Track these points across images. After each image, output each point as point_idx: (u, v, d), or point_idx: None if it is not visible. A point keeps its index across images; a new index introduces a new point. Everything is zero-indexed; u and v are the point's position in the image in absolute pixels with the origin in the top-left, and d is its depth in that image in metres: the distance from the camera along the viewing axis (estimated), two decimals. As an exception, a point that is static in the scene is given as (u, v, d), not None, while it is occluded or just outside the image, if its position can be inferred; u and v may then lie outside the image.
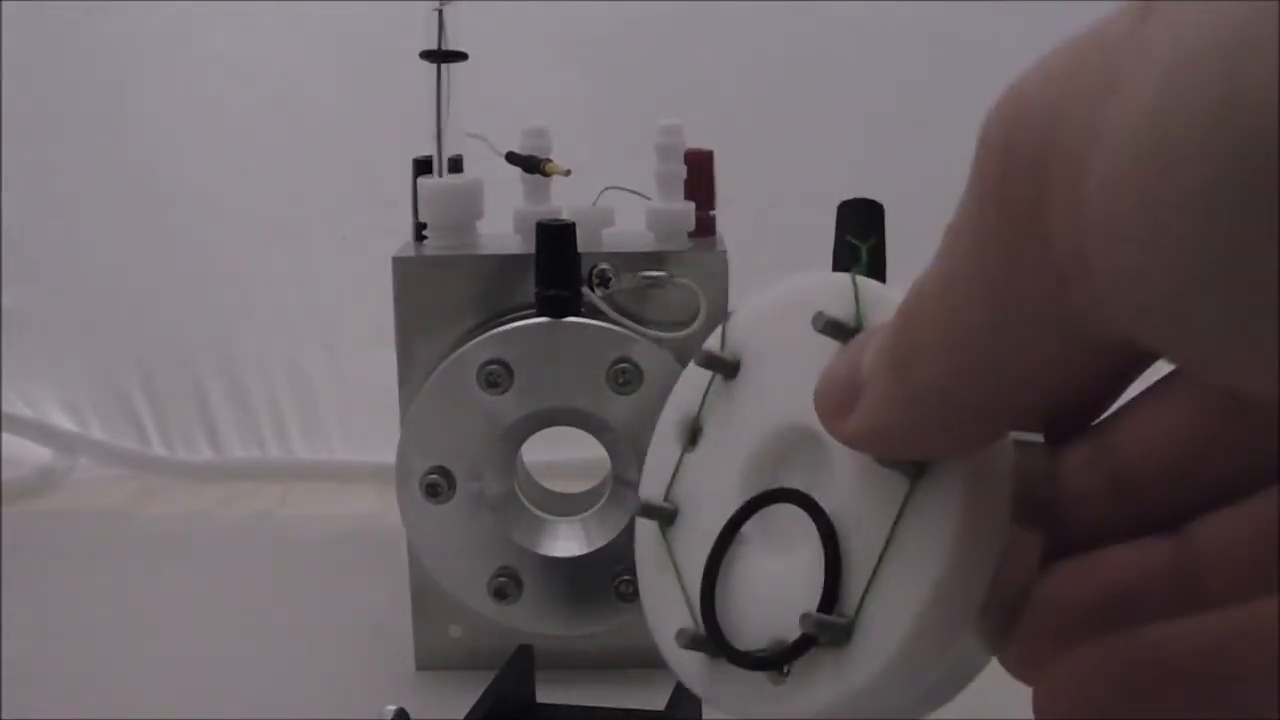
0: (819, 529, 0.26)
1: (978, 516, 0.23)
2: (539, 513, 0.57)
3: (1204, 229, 0.16)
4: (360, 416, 0.86)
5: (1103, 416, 0.24)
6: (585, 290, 0.53)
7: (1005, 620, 0.24)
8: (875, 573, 0.24)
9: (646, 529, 0.30)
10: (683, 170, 0.56)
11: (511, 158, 0.57)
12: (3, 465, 0.84)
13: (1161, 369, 0.22)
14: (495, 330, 0.53)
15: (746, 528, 0.28)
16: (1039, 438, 0.24)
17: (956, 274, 0.21)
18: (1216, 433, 0.22)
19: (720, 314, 0.54)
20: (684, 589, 0.29)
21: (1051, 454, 0.24)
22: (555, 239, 0.53)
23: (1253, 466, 0.22)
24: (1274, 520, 0.21)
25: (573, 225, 0.53)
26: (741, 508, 0.28)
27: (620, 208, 0.57)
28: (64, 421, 0.89)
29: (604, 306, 0.53)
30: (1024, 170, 0.19)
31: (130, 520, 0.80)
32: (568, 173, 0.56)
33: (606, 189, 0.57)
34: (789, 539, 0.27)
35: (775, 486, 0.28)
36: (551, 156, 0.56)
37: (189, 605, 0.66)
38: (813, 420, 0.25)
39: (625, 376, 0.53)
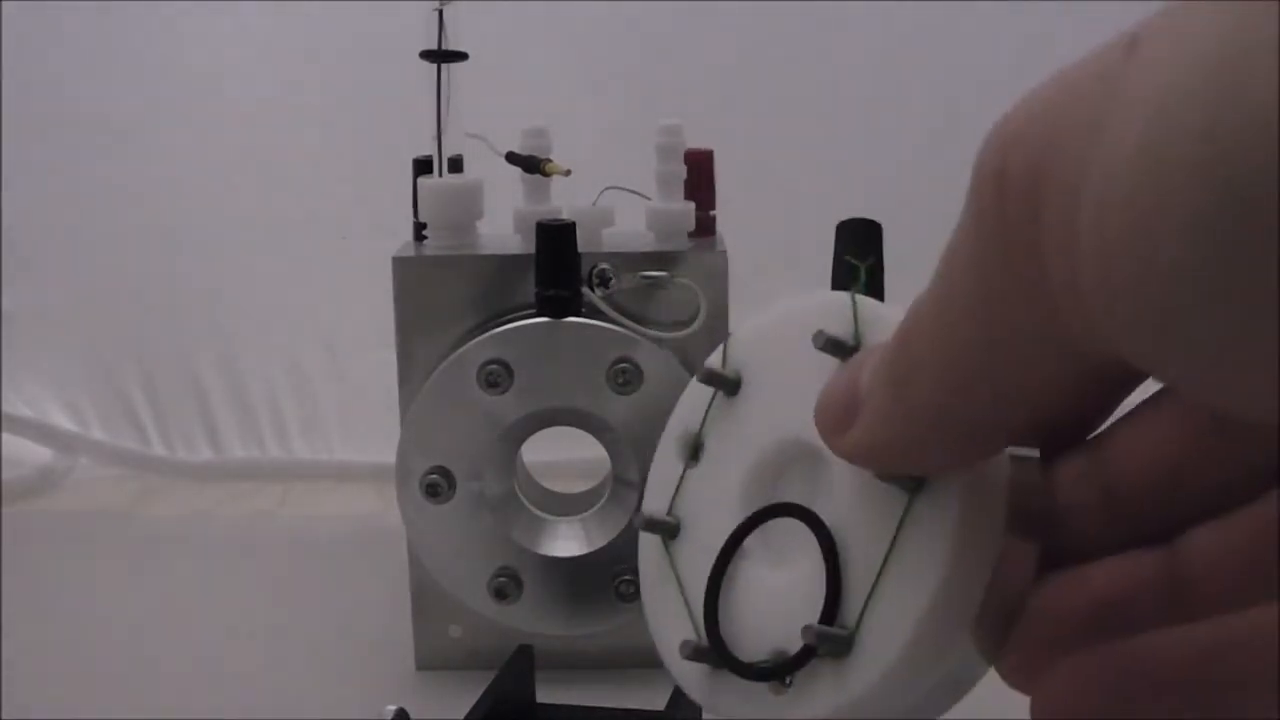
0: (820, 542, 0.26)
1: (974, 530, 0.24)
2: (539, 513, 0.57)
3: (1191, 257, 0.17)
4: (360, 416, 0.86)
5: (1097, 431, 0.25)
6: (585, 290, 0.53)
7: (1001, 630, 0.24)
8: (875, 585, 0.25)
9: (650, 542, 0.31)
10: (683, 170, 0.56)
11: (511, 158, 0.57)
12: (3, 465, 0.84)
13: (1154, 384, 0.22)
14: (495, 330, 0.53)
15: (747, 541, 0.29)
16: (1034, 452, 0.25)
17: (953, 295, 0.21)
18: (1206, 447, 0.23)
19: (720, 314, 0.54)
20: (687, 601, 0.29)
21: (1046, 468, 0.25)
22: (555, 239, 0.53)
23: (1241, 479, 0.22)
24: (1262, 531, 0.22)
25: (573, 225, 0.53)
26: (744, 521, 0.28)
27: (620, 208, 0.57)
28: (64, 421, 0.89)
29: (604, 306, 0.53)
30: (1019, 197, 0.19)
31: (130, 520, 0.80)
32: (568, 173, 0.56)
33: (606, 189, 0.57)
34: (788, 552, 0.28)
35: (775, 500, 0.28)
36: (551, 156, 0.56)
37: (189, 605, 0.66)
38: (813, 435, 0.25)
39: (625, 376, 0.53)
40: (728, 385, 0.30)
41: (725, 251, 0.55)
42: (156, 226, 0.87)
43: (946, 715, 0.26)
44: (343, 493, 0.83)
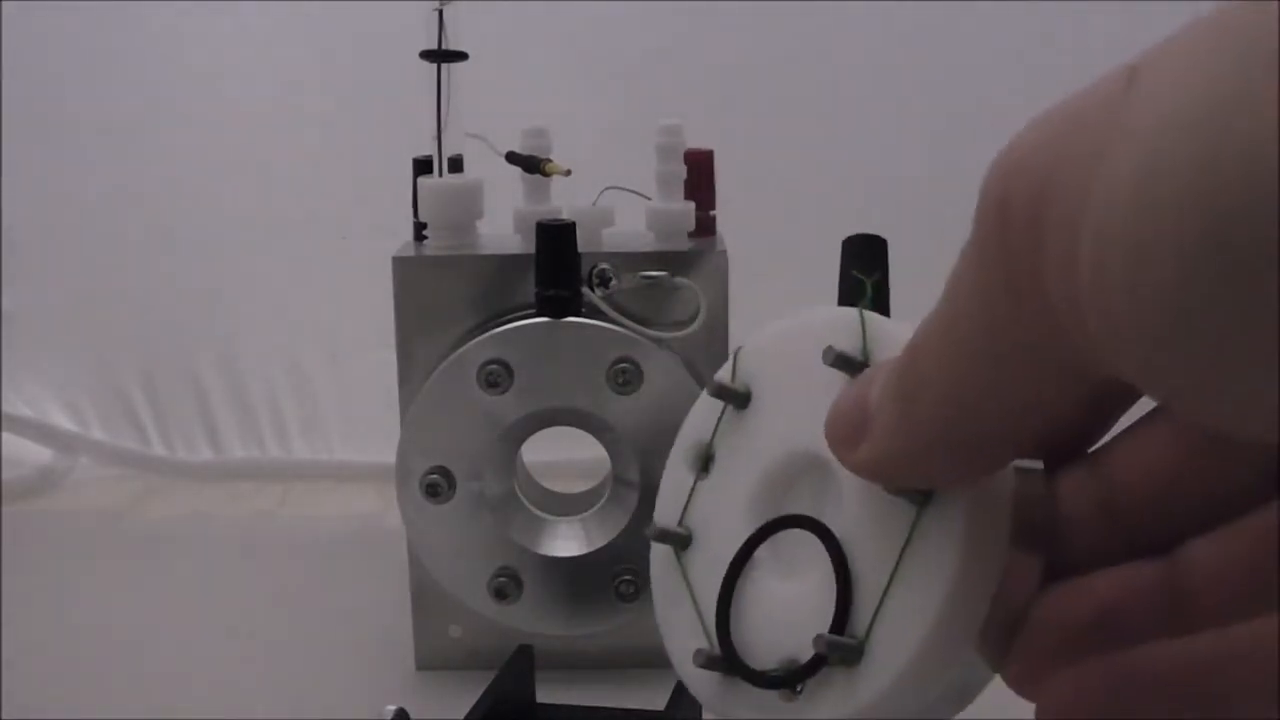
0: (830, 554, 0.27)
1: (980, 542, 0.25)
2: (539, 513, 0.57)
3: (1187, 286, 0.17)
4: (360, 416, 0.86)
5: (1098, 444, 0.25)
6: (585, 290, 0.53)
7: (1006, 639, 0.25)
8: (884, 595, 0.26)
9: (662, 553, 0.32)
10: (683, 170, 0.56)
11: (511, 158, 0.57)
12: (3, 465, 0.84)
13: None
14: (495, 330, 0.53)
15: (758, 552, 0.29)
16: (1038, 464, 0.25)
17: (959, 315, 0.22)
18: (1204, 459, 0.23)
19: (720, 314, 0.54)
20: (699, 611, 0.30)
21: (1049, 480, 0.25)
22: (555, 239, 0.53)
23: (1239, 491, 0.23)
24: (1261, 542, 0.23)
25: (573, 225, 0.53)
26: (756, 532, 0.29)
27: (620, 208, 0.57)
28: (64, 421, 0.89)
29: (604, 306, 0.53)
30: (1021, 224, 0.20)
31: (130, 520, 0.80)
32: (568, 173, 0.56)
33: (606, 189, 0.57)
34: (798, 563, 0.28)
35: (784, 512, 0.29)
36: (551, 156, 0.56)
37: (189, 605, 0.66)
38: (822, 448, 0.26)
39: (625, 376, 0.53)
40: (737, 399, 0.31)
41: (725, 251, 0.55)
42: (157, 227, 0.87)
43: None
44: (343, 493, 0.83)
